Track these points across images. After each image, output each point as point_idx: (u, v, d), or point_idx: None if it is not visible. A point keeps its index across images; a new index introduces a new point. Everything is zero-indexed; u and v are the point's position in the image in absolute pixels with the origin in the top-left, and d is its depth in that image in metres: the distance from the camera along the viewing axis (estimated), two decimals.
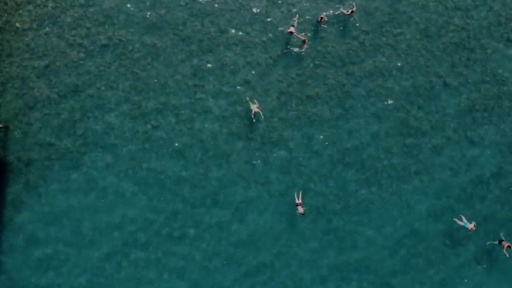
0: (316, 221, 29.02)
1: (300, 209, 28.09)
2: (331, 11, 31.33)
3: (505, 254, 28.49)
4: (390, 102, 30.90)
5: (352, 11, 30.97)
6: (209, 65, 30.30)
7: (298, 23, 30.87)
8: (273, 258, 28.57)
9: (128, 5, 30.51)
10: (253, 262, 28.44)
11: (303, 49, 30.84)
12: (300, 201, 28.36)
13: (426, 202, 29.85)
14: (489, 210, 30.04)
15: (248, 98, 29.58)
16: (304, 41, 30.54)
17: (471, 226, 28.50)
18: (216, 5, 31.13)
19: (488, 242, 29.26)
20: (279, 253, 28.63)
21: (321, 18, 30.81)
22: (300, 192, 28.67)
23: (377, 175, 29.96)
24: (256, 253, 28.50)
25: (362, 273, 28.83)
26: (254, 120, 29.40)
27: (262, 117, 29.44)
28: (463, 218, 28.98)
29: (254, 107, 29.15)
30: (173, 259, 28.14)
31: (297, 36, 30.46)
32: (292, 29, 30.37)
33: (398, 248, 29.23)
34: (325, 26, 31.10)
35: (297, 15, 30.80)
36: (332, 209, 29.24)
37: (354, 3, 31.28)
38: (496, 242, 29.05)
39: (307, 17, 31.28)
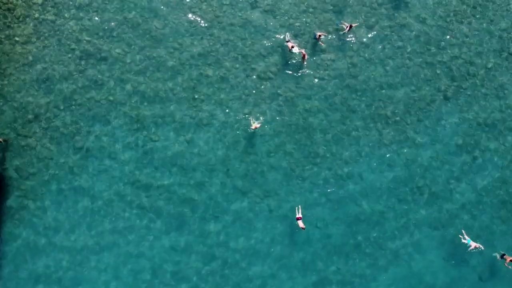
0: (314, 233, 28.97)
1: (301, 224, 27.90)
2: (329, 29, 31.39)
3: (508, 267, 28.43)
4: (390, 115, 30.82)
5: (350, 26, 30.90)
6: (208, 78, 30.22)
7: (297, 37, 30.84)
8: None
9: (128, 18, 30.46)
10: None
11: (303, 63, 30.76)
12: (300, 215, 28.16)
13: (426, 217, 29.77)
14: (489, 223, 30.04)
15: (250, 118, 29.47)
16: (304, 56, 30.44)
17: (474, 245, 28.33)
18: (216, 19, 31.10)
19: (494, 254, 29.13)
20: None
21: (319, 35, 30.74)
22: (299, 207, 28.49)
23: (377, 190, 29.82)
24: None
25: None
26: (254, 129, 29.32)
27: (260, 125, 29.35)
28: (466, 236, 28.83)
29: (255, 123, 29.06)
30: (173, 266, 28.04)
31: (300, 51, 30.32)
32: (291, 44, 30.30)
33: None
34: (323, 44, 31.05)
35: (288, 33, 30.80)
36: (332, 224, 29.16)
37: (353, 20, 31.26)
38: (498, 257, 28.89)
39: (307, 31, 31.31)
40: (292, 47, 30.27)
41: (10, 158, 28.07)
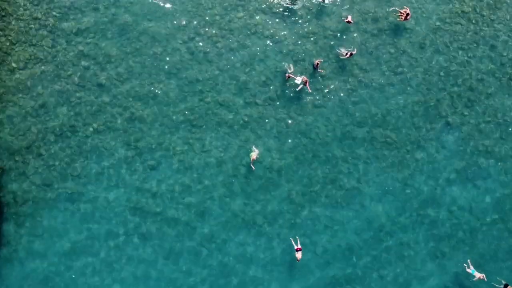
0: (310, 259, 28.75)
1: (299, 255, 27.50)
2: (329, 55, 31.16)
3: None
4: (390, 141, 30.55)
5: (351, 54, 30.60)
6: (207, 105, 29.96)
7: (298, 63, 30.61)
8: None
9: (125, 46, 30.24)
10: None
11: (298, 89, 30.26)
12: (299, 246, 27.75)
13: (426, 245, 29.50)
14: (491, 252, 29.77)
15: (250, 153, 29.16)
16: (306, 82, 30.06)
17: (479, 275, 27.97)
18: (214, 45, 30.86)
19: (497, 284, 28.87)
20: None
21: (317, 63, 30.43)
22: (297, 237, 28.15)
23: (377, 215, 29.56)
24: None
25: None
26: (253, 169, 28.95)
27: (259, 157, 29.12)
28: (471, 265, 28.50)
29: (253, 155, 28.73)
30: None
31: (301, 79, 29.94)
32: (289, 76, 30.06)
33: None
34: (322, 70, 30.77)
35: (288, 64, 30.59)
36: (327, 254, 28.95)
37: (354, 47, 31.00)
38: (501, 287, 28.57)
39: (307, 57, 31.07)
40: (289, 77, 30.03)
41: (6, 185, 27.77)
